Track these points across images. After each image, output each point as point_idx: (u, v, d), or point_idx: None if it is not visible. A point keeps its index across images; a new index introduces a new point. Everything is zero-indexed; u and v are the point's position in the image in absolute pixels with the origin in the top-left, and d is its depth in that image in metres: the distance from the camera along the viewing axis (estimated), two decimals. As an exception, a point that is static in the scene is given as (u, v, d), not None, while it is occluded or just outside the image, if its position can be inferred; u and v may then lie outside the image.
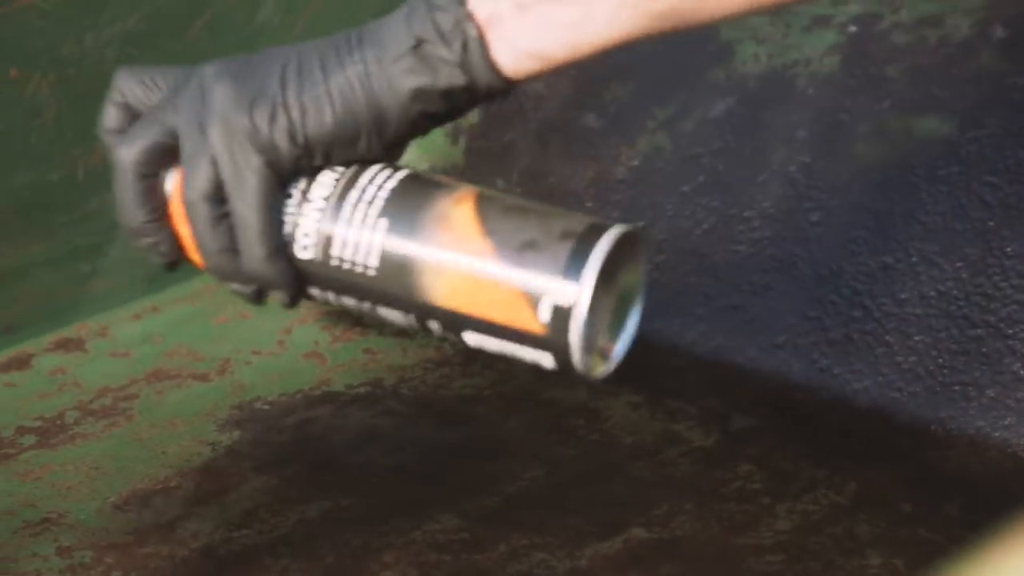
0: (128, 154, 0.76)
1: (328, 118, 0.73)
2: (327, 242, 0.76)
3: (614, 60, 1.36)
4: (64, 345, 1.26)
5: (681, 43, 1.33)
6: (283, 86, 0.73)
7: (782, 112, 1.31)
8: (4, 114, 1.19)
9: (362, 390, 1.23)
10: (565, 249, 0.74)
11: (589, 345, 0.75)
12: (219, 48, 1.31)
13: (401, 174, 0.77)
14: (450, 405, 1.22)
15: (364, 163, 0.77)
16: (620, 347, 0.79)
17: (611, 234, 0.75)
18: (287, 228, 0.76)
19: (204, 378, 1.25)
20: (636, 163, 1.32)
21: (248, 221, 0.74)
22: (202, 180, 0.74)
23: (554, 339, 0.74)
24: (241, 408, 1.21)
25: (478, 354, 1.29)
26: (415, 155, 1.42)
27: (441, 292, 0.75)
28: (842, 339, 1.23)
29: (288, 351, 1.28)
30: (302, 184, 0.76)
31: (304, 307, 1.34)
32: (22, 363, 1.24)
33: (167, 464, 1.14)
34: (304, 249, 0.76)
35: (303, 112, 0.73)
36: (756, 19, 1.34)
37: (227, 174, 0.74)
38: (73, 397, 1.21)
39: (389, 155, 0.77)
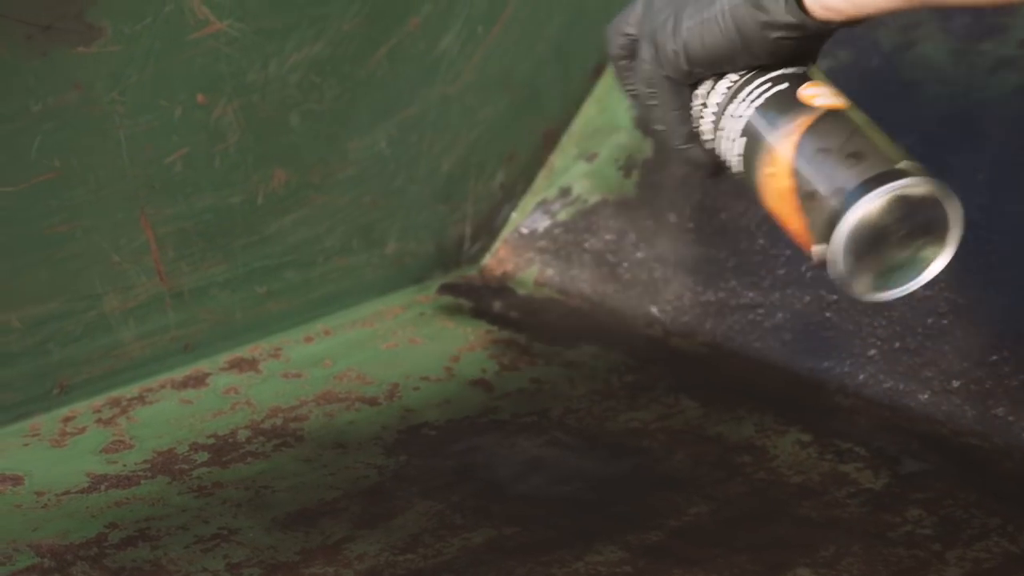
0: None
1: (706, 43, 0.93)
2: (714, 144, 0.96)
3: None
4: (238, 365, 1.28)
5: (861, 80, 1.32)
6: (677, 18, 0.94)
7: (963, 153, 1.29)
8: (190, 138, 1.22)
9: (528, 419, 1.23)
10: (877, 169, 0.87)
11: (855, 256, 0.87)
12: (399, 76, 1.32)
13: (769, 93, 0.92)
14: (616, 437, 1.21)
15: (757, 70, 0.93)
16: (898, 285, 0.89)
17: (923, 179, 0.87)
18: (696, 124, 0.96)
19: (373, 402, 1.26)
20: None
21: (663, 121, 0.97)
22: (640, 84, 0.97)
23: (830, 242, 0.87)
24: (408, 433, 1.22)
25: (644, 388, 1.29)
26: (588, 186, 1.43)
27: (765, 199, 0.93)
28: (1019, 386, 1.20)
29: (456, 378, 1.29)
30: (708, 86, 0.95)
31: (472, 335, 1.35)
32: (198, 381, 1.26)
33: (334, 486, 1.15)
34: (707, 143, 0.97)
35: (687, 40, 0.93)
36: (940, 60, 1.32)
37: (654, 83, 0.97)
38: (245, 416, 1.23)
39: (791, 62, 0.93)
